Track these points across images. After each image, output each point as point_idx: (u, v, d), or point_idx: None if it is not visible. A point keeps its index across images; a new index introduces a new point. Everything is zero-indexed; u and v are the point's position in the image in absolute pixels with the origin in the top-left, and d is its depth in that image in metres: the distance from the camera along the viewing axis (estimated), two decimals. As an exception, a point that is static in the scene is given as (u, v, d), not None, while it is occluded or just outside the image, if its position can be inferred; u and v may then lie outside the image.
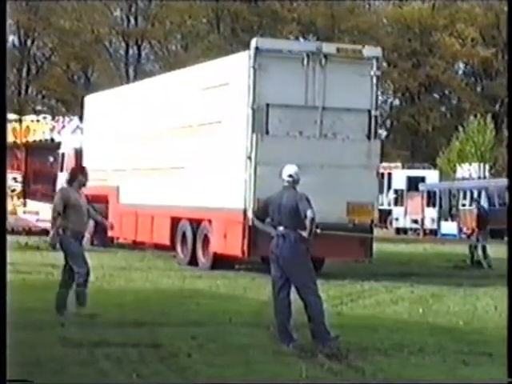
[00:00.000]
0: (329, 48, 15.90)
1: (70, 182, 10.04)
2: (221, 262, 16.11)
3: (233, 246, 15.37)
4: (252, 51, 15.17)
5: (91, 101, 23.51)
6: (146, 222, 18.84)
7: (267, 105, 15.09)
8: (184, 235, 17.45)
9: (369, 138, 15.72)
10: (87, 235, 22.66)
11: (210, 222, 16.50)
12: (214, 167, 16.26)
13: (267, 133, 15.15)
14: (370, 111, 15.70)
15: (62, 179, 25.52)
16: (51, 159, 28.17)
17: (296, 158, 14.66)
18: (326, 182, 14.99)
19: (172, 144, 17.97)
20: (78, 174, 10.09)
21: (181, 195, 17.38)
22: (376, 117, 15.88)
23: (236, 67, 15.97)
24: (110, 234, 21.29)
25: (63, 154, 25.81)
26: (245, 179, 15.08)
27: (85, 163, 22.86)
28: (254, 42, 15.31)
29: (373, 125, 15.75)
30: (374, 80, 15.70)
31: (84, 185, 10.09)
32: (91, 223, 22.37)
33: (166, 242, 18.08)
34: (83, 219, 10.03)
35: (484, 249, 20.25)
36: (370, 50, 16.07)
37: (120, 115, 20.73)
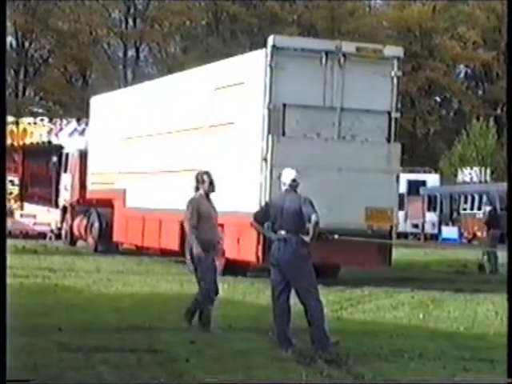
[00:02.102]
0: (348, 47, 15.52)
1: (197, 188, 9.42)
2: (233, 268, 15.57)
3: (246, 252, 14.88)
4: (269, 49, 14.82)
5: (97, 102, 23.26)
6: (154, 226, 18.43)
7: (284, 105, 14.75)
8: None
9: (389, 140, 15.37)
10: (91, 241, 22.64)
11: (221, 226, 16.19)
12: (227, 169, 15.81)
13: (284, 134, 14.80)
14: (390, 113, 15.36)
15: (65, 180, 25.32)
16: (54, 159, 27.89)
17: (313, 161, 14.63)
18: (344, 186, 14.73)
19: (183, 146, 17.56)
20: (204, 178, 9.38)
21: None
22: (396, 119, 15.48)
23: (252, 66, 15.59)
24: (115, 239, 21.05)
25: (67, 155, 25.54)
26: (260, 182, 14.71)
27: (90, 165, 22.73)
28: (270, 40, 14.93)
29: (393, 127, 15.38)
30: (395, 81, 15.37)
31: (213, 190, 9.45)
32: (96, 228, 22.25)
33: (175, 247, 17.48)
34: (215, 229, 9.46)
35: (489, 253, 20.06)
36: (391, 50, 15.75)
37: (128, 116, 20.44)
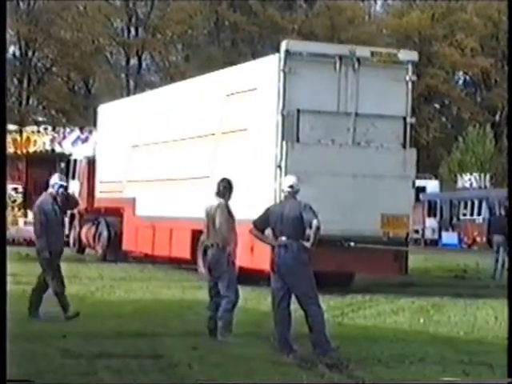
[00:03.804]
0: (362, 51, 15.21)
1: (223, 194, 9.41)
2: (246, 277, 15.00)
3: (260, 260, 13.88)
4: (282, 54, 14.56)
5: (105, 110, 23.04)
6: (165, 235, 18.13)
7: (298, 110, 14.48)
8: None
9: (404, 146, 15.12)
10: (99, 250, 22.56)
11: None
12: (240, 176, 15.65)
13: (298, 140, 14.52)
14: (405, 118, 15.11)
15: (73, 187, 25.11)
16: (62, 165, 27.89)
17: (328, 167, 14.42)
18: (359, 193, 14.49)
19: (194, 153, 17.29)
20: (227, 185, 9.43)
21: (203, 207, 16.96)
22: (412, 124, 15.25)
23: (265, 71, 15.32)
24: (124, 247, 20.85)
25: (75, 161, 25.21)
26: (274, 189, 14.28)
27: (98, 174, 22.48)
28: (284, 45, 14.68)
29: (408, 133, 15.13)
30: (410, 85, 15.11)
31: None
32: (105, 237, 22.18)
33: (187, 255, 17.21)
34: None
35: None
36: (405, 54, 15.49)
37: (138, 124, 20.16)
